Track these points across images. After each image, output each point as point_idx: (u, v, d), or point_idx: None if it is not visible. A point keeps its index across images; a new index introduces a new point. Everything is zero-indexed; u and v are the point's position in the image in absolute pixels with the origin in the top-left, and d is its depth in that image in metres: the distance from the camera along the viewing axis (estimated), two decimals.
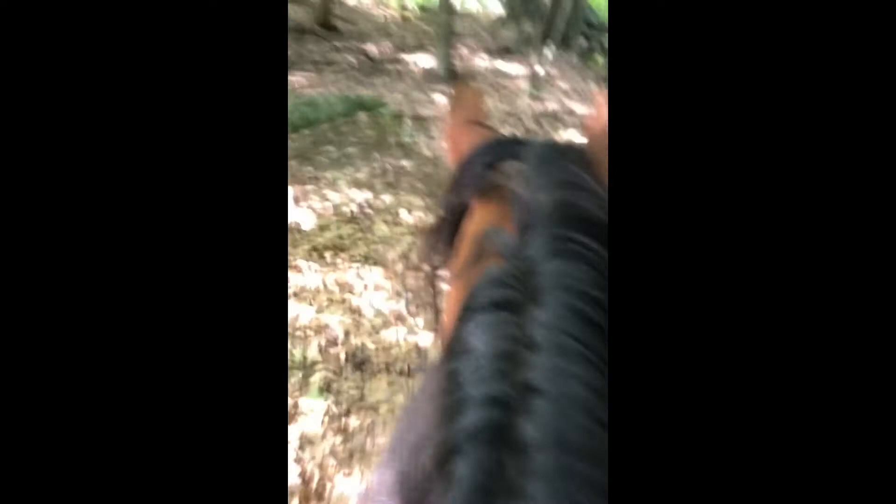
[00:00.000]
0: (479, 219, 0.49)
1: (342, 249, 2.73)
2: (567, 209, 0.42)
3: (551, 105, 6.06)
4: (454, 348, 0.37)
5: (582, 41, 8.89)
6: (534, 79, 6.65)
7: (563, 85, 6.95)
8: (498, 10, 10.93)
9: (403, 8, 11.10)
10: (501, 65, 8.07)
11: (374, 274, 2.56)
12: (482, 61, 8.24)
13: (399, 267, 2.62)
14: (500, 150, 0.51)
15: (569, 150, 0.50)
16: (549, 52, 7.33)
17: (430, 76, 7.14)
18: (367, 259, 2.65)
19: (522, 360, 0.34)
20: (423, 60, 8.38)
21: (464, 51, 8.80)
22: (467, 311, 0.38)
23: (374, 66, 7.69)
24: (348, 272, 2.53)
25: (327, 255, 2.66)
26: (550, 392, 0.32)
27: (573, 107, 6.00)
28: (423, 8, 11.26)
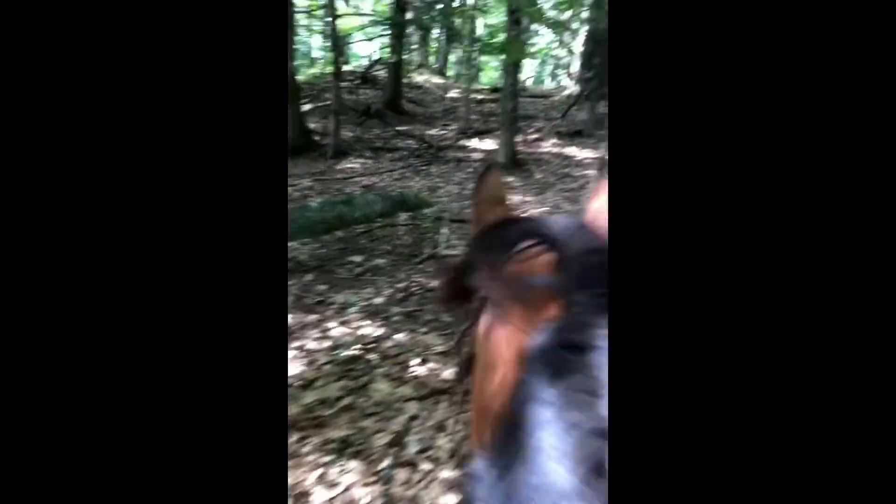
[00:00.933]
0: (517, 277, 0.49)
1: (319, 427, 2.05)
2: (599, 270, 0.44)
3: None
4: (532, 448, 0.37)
5: None
6: (603, 163, 5.92)
7: None
8: (572, 88, 10.46)
9: (474, 90, 10.94)
10: (571, 150, 7.46)
11: (349, 473, 1.84)
12: (549, 146, 7.68)
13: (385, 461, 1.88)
14: (517, 230, 0.52)
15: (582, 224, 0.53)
16: None
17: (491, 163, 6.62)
18: (343, 449, 1.94)
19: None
20: (488, 145, 8.03)
21: (532, 133, 8.33)
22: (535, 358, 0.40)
23: (434, 154, 7.37)
24: (311, 474, 1.83)
25: (294, 435, 1.99)
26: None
27: None
28: (494, 89, 11.04)
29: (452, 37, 13.49)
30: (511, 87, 6.31)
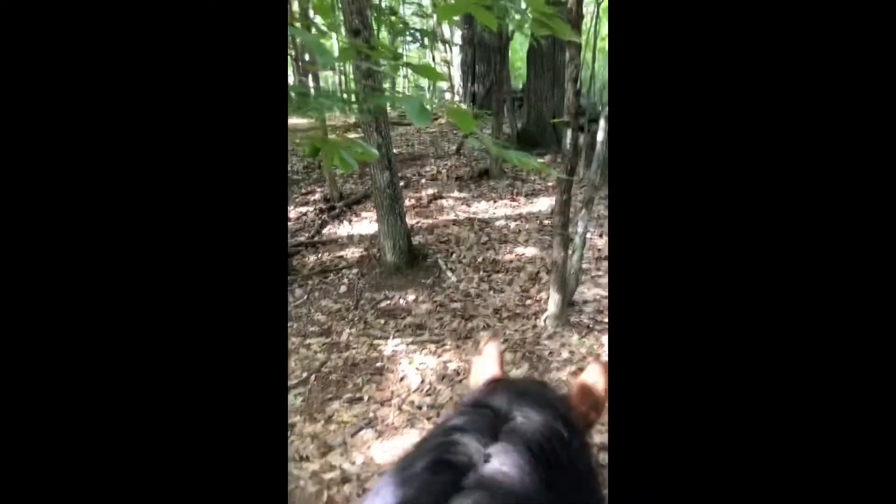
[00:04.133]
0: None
1: None
2: (542, 399, 0.53)
3: None
4: (442, 421, 0.50)
5: None
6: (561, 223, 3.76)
7: None
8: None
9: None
10: (482, 206, 5.29)
11: None
12: (453, 202, 5.46)
13: None
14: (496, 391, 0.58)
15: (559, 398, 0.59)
16: None
17: None
18: None
19: (487, 441, 0.46)
20: (364, 228, 5.75)
21: (425, 190, 6.11)
22: (458, 407, 0.53)
23: None
24: None
25: None
26: (500, 463, 0.43)
27: None
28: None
29: None
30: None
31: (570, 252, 3.02)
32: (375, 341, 3.12)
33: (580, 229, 3.17)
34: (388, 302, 3.62)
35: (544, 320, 3.11)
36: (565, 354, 2.79)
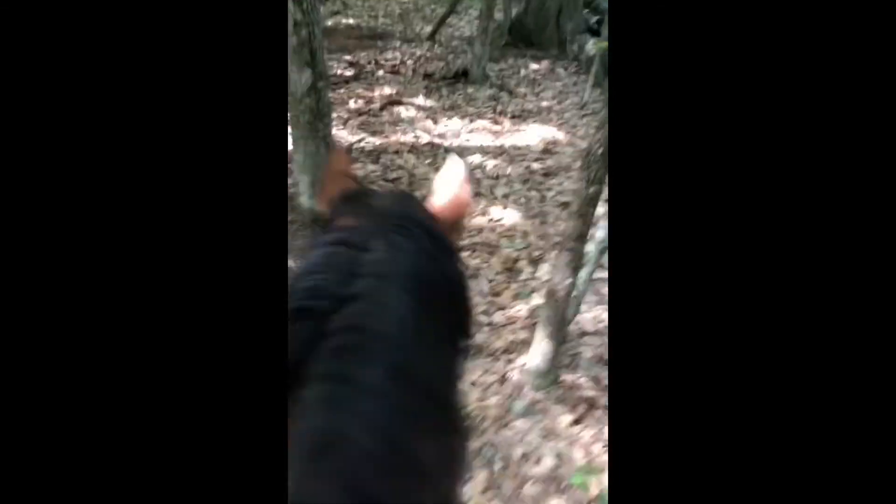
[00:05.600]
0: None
1: None
2: (405, 213, 0.48)
3: None
4: (299, 265, 0.43)
5: None
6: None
7: None
8: None
9: None
10: (453, 123, 3.89)
11: None
12: (415, 111, 4.05)
13: None
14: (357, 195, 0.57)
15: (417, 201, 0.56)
16: None
17: None
18: None
19: (349, 279, 0.40)
20: None
21: (385, 83, 4.57)
22: (314, 246, 0.45)
23: None
24: None
25: None
26: (364, 299, 0.39)
27: None
28: None
29: None
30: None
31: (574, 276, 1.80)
32: None
33: (600, 234, 1.92)
34: None
35: (521, 372, 1.95)
36: (549, 461, 1.66)
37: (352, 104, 4.25)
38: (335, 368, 0.35)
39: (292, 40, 2.45)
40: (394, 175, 3.35)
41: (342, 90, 4.48)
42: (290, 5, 2.36)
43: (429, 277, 0.43)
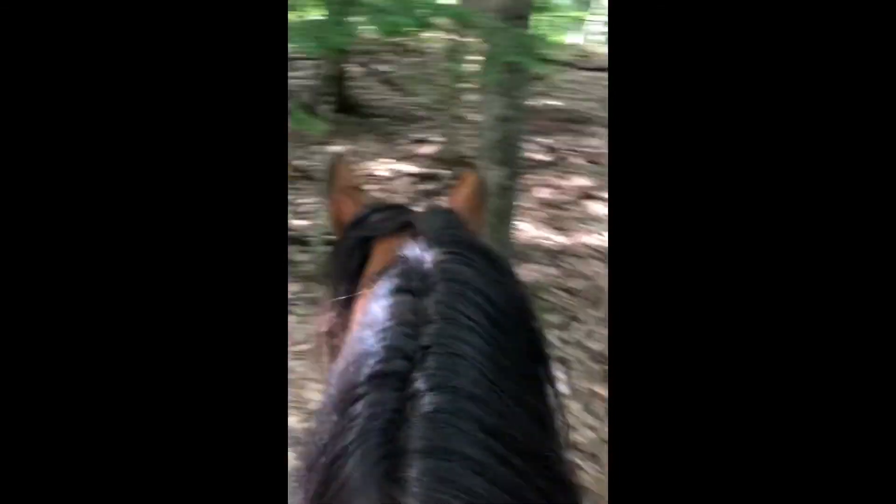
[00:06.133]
0: (380, 257, 0.54)
1: None
2: (452, 235, 0.50)
3: None
4: (362, 322, 0.43)
5: None
6: None
7: None
8: None
9: None
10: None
11: None
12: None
13: None
14: (385, 215, 0.57)
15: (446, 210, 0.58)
16: None
17: None
18: None
19: (419, 329, 0.41)
20: None
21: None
22: (373, 298, 0.45)
23: None
24: None
25: None
26: (440, 349, 0.39)
27: None
28: None
29: None
30: None
31: None
32: None
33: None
34: None
35: None
36: None
37: (540, 193, 3.93)
38: (432, 441, 0.36)
39: (494, 135, 2.19)
40: (571, 283, 2.91)
41: (532, 176, 4.20)
42: (497, 98, 2.11)
43: (497, 307, 0.43)
